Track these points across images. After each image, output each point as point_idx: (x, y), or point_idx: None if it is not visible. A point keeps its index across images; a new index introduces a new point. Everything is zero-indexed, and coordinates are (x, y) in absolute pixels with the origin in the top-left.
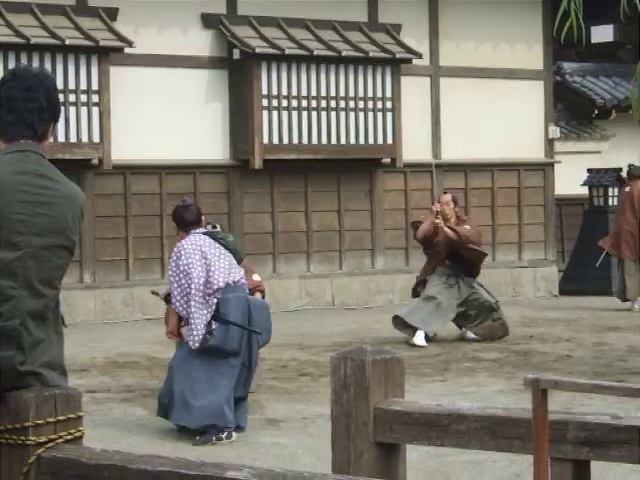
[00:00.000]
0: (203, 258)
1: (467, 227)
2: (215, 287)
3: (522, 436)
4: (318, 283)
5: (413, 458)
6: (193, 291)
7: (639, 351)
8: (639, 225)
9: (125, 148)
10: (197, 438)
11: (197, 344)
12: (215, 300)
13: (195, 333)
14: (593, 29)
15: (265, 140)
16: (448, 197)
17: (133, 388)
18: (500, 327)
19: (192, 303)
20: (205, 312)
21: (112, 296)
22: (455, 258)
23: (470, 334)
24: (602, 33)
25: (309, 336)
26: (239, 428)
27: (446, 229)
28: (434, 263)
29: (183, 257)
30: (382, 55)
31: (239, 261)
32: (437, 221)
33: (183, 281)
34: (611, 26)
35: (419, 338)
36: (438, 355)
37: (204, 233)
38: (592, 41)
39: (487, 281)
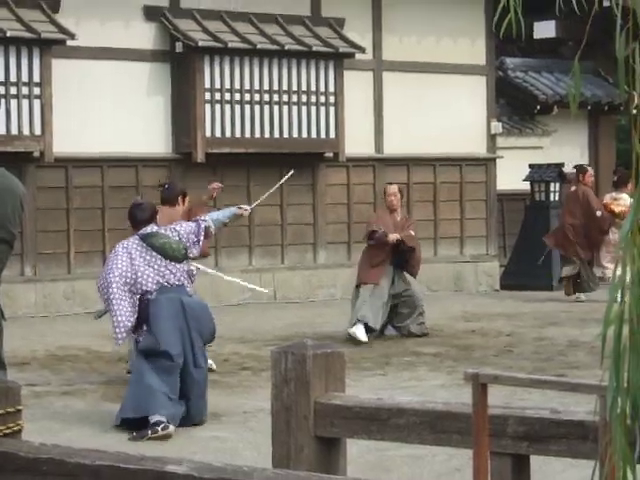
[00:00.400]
0: (130, 260)
1: (412, 233)
2: (144, 289)
3: (461, 430)
4: (260, 277)
5: (353, 452)
6: (114, 287)
7: (579, 346)
8: (582, 226)
9: (67, 141)
10: (134, 434)
11: (119, 342)
12: (138, 301)
13: (117, 330)
14: (535, 25)
15: (208, 133)
16: (395, 188)
17: (73, 381)
18: (419, 329)
19: (112, 297)
20: (129, 309)
21: (53, 289)
22: (397, 253)
23: (391, 330)
24: (544, 29)
25: (250, 330)
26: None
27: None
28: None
29: (112, 257)
30: (325, 49)
31: (177, 259)
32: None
33: (103, 281)
34: (553, 22)
35: (360, 331)
36: (379, 349)
37: (140, 236)
38: (534, 37)
39: (429, 276)
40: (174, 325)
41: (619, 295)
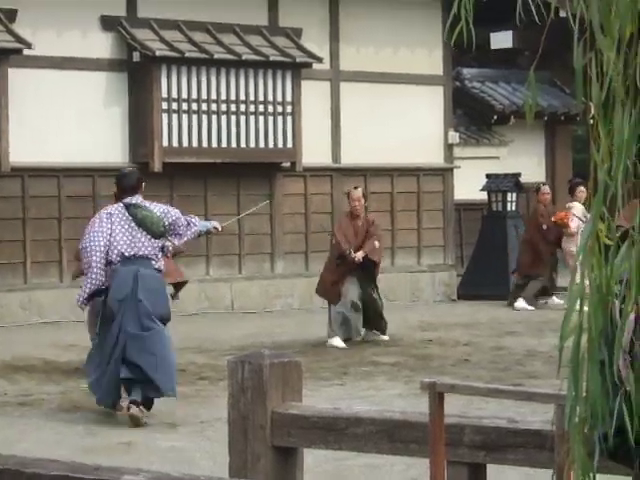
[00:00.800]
0: (110, 228)
1: (376, 245)
2: (109, 258)
3: (418, 439)
4: (217, 287)
5: (310, 462)
6: (97, 255)
7: (536, 355)
8: (530, 241)
9: (23, 150)
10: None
11: (81, 304)
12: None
13: (83, 295)
14: (492, 35)
15: (165, 143)
16: (359, 193)
17: (30, 392)
18: (380, 331)
19: (93, 264)
20: (103, 279)
21: (9, 299)
22: (361, 267)
23: (370, 334)
24: (501, 39)
25: (208, 340)
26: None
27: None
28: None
29: (97, 222)
30: (282, 59)
31: (155, 234)
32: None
33: (88, 244)
34: (510, 32)
35: (336, 341)
36: (337, 359)
37: (125, 204)
38: (491, 47)
39: (386, 285)
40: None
41: (577, 304)
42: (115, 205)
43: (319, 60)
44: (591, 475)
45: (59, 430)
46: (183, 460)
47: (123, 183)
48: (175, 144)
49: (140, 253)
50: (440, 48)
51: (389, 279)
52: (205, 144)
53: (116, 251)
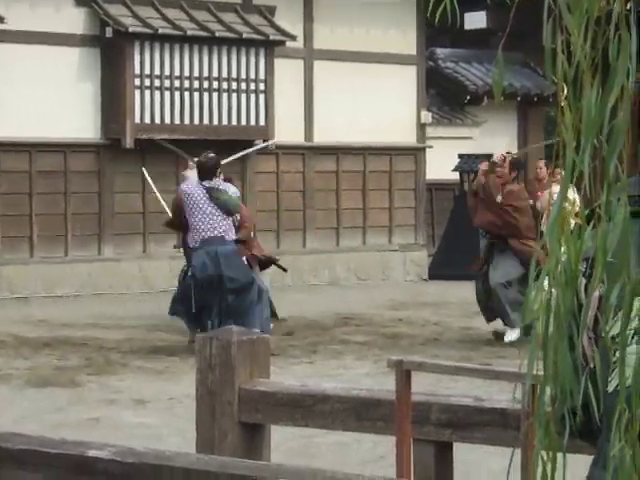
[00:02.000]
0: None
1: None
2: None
3: (385, 417)
4: None
5: (278, 439)
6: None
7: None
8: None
9: None
10: None
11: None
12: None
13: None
14: (466, 16)
15: (137, 120)
16: None
17: None
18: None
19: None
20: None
21: None
22: None
23: None
24: (475, 20)
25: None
26: None
27: None
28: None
29: (194, 195)
30: (256, 37)
31: (228, 212)
32: None
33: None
34: (484, 13)
35: None
36: (307, 337)
37: (205, 188)
38: (465, 28)
39: (357, 264)
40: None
41: (545, 283)
42: (197, 188)
43: (293, 38)
44: (558, 454)
45: (27, 405)
46: (152, 436)
47: (205, 167)
48: (147, 121)
49: (215, 233)
50: (414, 28)
51: (360, 258)
52: (177, 121)
53: (196, 236)
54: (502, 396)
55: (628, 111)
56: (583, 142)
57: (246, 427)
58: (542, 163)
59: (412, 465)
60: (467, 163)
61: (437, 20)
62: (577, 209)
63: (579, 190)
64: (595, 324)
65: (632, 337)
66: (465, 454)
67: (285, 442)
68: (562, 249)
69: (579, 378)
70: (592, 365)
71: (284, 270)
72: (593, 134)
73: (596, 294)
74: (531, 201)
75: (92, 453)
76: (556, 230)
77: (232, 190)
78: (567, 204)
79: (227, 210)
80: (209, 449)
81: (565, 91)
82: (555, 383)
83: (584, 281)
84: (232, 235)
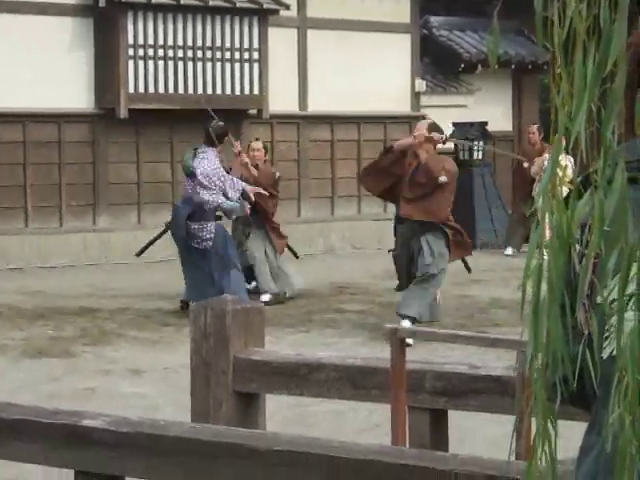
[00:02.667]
0: None
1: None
2: None
3: (381, 385)
4: None
5: (274, 408)
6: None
7: (501, 303)
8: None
9: None
10: None
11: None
12: None
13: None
14: None
15: (131, 89)
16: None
17: None
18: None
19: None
20: None
21: None
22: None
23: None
24: None
25: (173, 287)
26: None
27: None
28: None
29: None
30: (249, 5)
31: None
32: None
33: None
34: None
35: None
36: (302, 307)
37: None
38: None
39: (352, 234)
40: None
41: (537, 250)
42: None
43: (286, 7)
44: (551, 420)
45: (23, 376)
46: (147, 406)
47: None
48: (141, 90)
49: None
50: None
51: (355, 227)
52: (171, 90)
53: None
54: (498, 363)
55: (624, 76)
56: (575, 107)
57: (241, 396)
58: (534, 128)
59: (407, 433)
60: (462, 131)
61: None
62: (570, 175)
63: (574, 156)
64: (590, 291)
65: (629, 303)
66: (461, 421)
67: (280, 411)
68: (554, 216)
69: (571, 346)
70: (586, 332)
71: (296, 256)
72: (585, 99)
73: (591, 261)
74: (526, 164)
75: (86, 422)
76: (547, 197)
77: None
78: (559, 170)
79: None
80: (204, 419)
81: (557, 57)
82: (547, 350)
83: (579, 248)
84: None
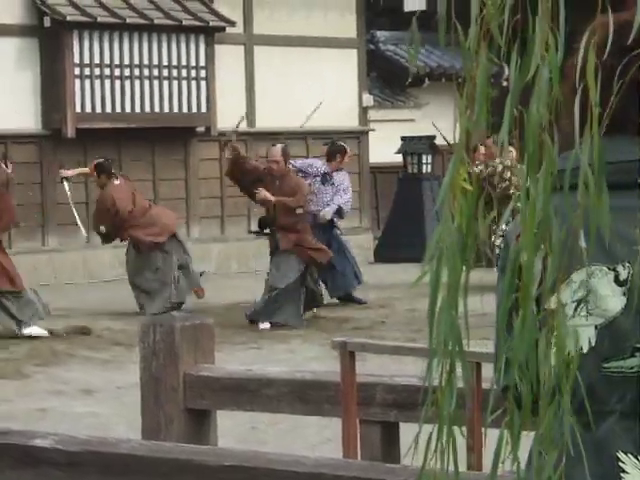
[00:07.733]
0: None
1: None
2: None
3: (331, 399)
4: None
5: (227, 425)
6: None
7: None
8: None
9: None
10: None
11: None
12: None
13: None
14: None
15: (78, 109)
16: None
17: None
18: None
19: None
20: None
21: None
22: None
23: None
24: (414, 2)
25: (123, 305)
26: None
27: None
28: None
29: None
30: (195, 23)
31: None
32: None
33: None
34: None
35: None
36: (252, 324)
37: None
38: (405, 10)
39: None
40: None
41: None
42: None
43: (232, 24)
44: (516, 430)
45: None
46: (99, 425)
47: None
48: (88, 110)
49: None
50: (353, 11)
51: None
52: (119, 109)
53: None
54: None
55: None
56: (477, 110)
57: (192, 413)
58: (490, 142)
59: (359, 446)
60: (410, 145)
61: (381, 2)
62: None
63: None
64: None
65: (575, 309)
66: (412, 434)
67: (234, 428)
68: (455, 220)
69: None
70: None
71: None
72: (484, 101)
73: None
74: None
75: (36, 442)
76: (447, 199)
77: None
78: (461, 171)
79: None
80: (155, 436)
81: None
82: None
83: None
84: None
